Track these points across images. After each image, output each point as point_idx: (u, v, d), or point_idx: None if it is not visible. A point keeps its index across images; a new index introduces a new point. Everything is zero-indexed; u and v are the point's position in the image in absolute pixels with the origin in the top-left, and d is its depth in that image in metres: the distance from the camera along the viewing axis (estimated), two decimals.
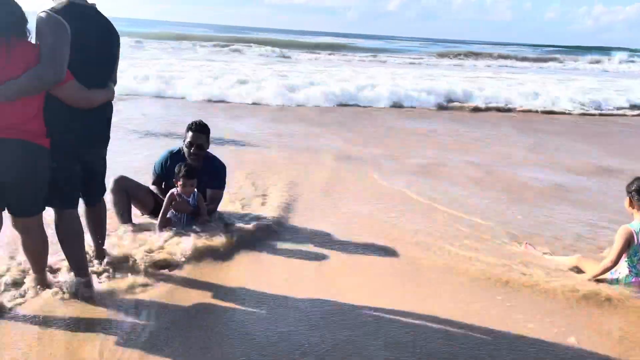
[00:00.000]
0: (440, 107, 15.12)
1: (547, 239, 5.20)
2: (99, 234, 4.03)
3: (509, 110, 15.45)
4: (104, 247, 4.06)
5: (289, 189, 6.37)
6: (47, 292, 3.53)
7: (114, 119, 3.81)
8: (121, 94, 12.51)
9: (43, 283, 3.60)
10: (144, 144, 8.40)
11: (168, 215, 4.74)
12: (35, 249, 3.52)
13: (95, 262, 3.97)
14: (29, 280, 3.62)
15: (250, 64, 22.83)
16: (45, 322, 3.24)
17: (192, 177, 4.64)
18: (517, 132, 12.07)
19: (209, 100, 13.77)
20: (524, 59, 41.01)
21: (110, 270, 3.90)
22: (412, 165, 8.15)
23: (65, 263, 3.74)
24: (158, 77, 14.70)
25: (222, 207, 5.27)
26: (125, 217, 4.80)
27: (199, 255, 4.26)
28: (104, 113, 3.63)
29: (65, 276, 3.66)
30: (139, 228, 4.71)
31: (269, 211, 5.42)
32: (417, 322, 3.50)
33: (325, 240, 4.87)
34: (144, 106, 12.38)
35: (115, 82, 3.74)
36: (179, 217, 4.80)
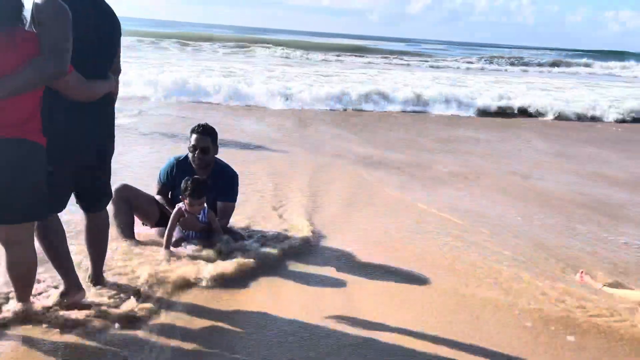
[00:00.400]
0: (481, 113, 14.36)
1: (604, 265, 4.55)
2: (99, 253, 3.52)
3: (539, 115, 14.67)
4: (102, 271, 3.55)
5: (309, 199, 5.82)
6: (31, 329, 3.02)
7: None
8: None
9: (27, 314, 3.08)
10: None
11: (175, 233, 4.20)
12: (21, 270, 2.99)
13: (93, 289, 3.45)
14: (10, 308, 3.09)
15: (270, 65, 22.31)
16: None
17: (200, 197, 4.12)
18: (552, 140, 11.37)
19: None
20: (554, 64, 39.97)
21: (109, 297, 3.39)
22: (443, 174, 7.53)
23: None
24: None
25: (237, 219, 4.74)
26: (126, 231, 4.29)
27: (212, 280, 3.73)
28: (105, 112, 3.20)
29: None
30: (143, 245, 4.19)
31: (289, 227, 4.88)
32: None
33: (349, 262, 4.31)
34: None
35: (119, 72, 3.32)
36: (187, 235, 4.27)
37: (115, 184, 4.48)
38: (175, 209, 4.18)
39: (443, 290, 3.89)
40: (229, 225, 4.54)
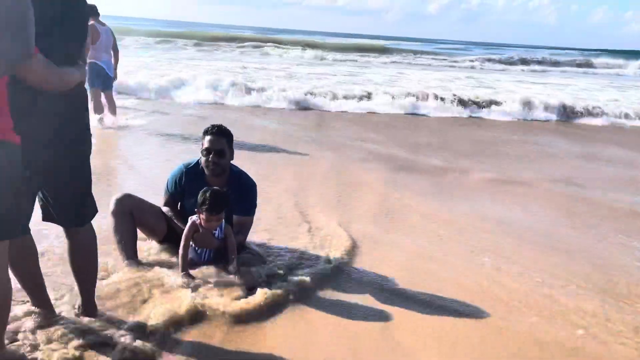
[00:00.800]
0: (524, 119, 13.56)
1: None
2: (85, 278, 2.93)
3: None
4: (94, 298, 2.98)
5: (336, 209, 5.21)
6: None
7: None
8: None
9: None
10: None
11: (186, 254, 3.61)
12: None
13: (84, 319, 2.89)
14: None
15: (296, 66, 21.74)
16: None
17: (219, 212, 3.53)
18: (598, 145, 10.62)
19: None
20: (585, 64, 38.89)
21: (102, 330, 2.82)
22: (480, 181, 6.86)
23: None
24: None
25: (255, 233, 4.14)
26: (128, 249, 3.70)
27: (234, 316, 3.13)
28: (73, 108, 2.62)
29: None
30: (147, 267, 3.61)
31: (318, 244, 4.27)
32: None
33: (387, 288, 3.68)
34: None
35: (85, 62, 2.76)
36: (199, 253, 3.68)
37: (117, 192, 3.97)
38: (189, 223, 3.59)
39: (500, 329, 3.24)
40: (246, 242, 3.95)
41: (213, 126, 3.83)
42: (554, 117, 13.46)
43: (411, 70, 23.60)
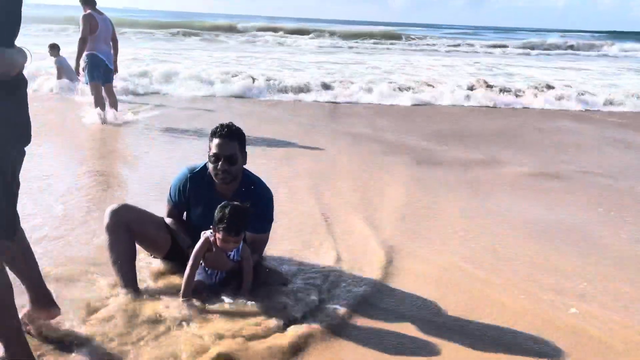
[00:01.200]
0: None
1: None
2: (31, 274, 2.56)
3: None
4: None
5: (362, 213, 4.64)
6: None
7: None
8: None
9: None
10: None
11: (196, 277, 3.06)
12: None
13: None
14: None
15: (304, 55, 21.09)
16: None
17: (238, 233, 2.97)
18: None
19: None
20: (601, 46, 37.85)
21: None
22: (519, 175, 6.24)
23: None
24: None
25: (274, 242, 3.58)
26: (125, 272, 3.12)
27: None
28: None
29: None
30: (147, 293, 3.05)
31: (346, 261, 3.69)
32: None
33: (428, 315, 3.09)
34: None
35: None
36: (209, 274, 3.12)
37: (113, 202, 3.43)
38: (202, 240, 3.03)
39: None
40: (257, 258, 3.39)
41: (222, 127, 3.21)
42: (575, 104, 12.59)
43: (423, 57, 22.89)
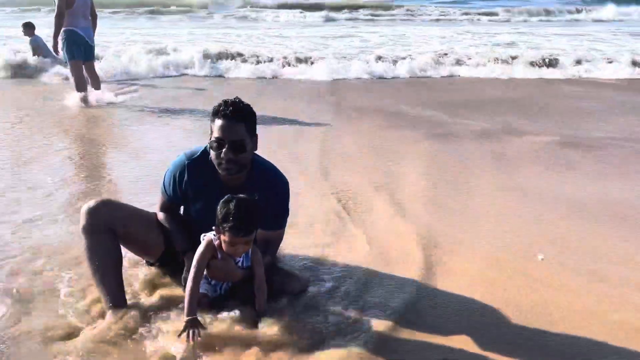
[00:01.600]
0: None
1: None
2: None
3: None
4: None
5: (385, 197, 4.06)
6: None
7: None
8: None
9: None
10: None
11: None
12: None
13: None
14: None
15: (290, 29, 20.21)
16: None
17: (248, 234, 2.36)
18: None
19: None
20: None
21: None
22: (549, 144, 5.65)
23: None
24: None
25: (290, 237, 2.99)
26: (109, 284, 2.55)
27: None
28: None
29: None
30: (141, 315, 2.45)
31: (376, 256, 3.11)
32: None
33: (478, 322, 2.54)
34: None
35: None
36: (213, 285, 2.54)
37: (89, 198, 2.83)
38: (204, 245, 2.43)
39: None
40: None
41: (226, 105, 2.54)
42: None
43: (418, 28, 22.07)
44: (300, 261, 3.01)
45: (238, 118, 2.53)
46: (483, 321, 2.52)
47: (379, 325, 2.40)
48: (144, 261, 2.93)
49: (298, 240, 3.20)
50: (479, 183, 4.48)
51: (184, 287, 2.49)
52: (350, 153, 5.32)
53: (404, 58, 11.56)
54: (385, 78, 10.31)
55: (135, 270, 2.84)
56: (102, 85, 7.87)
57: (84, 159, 5.10)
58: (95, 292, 2.54)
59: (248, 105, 2.61)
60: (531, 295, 2.75)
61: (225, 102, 2.56)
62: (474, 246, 3.29)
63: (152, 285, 2.72)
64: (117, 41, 12.94)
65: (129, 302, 2.54)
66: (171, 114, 6.97)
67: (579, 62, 11.90)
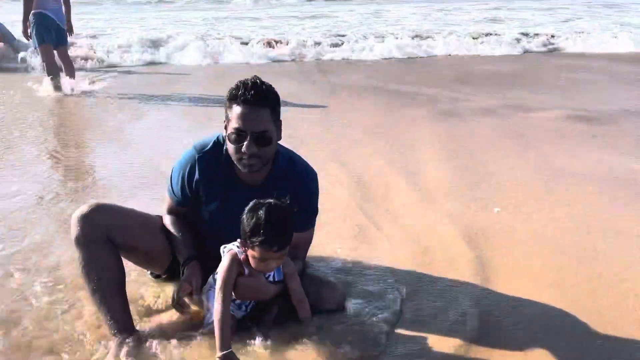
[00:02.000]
0: None
1: None
2: None
3: None
4: None
5: (408, 185, 3.65)
6: None
7: None
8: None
9: None
10: None
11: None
12: None
13: None
14: None
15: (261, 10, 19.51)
16: None
17: (284, 246, 1.94)
18: None
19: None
20: None
21: None
22: (560, 119, 5.30)
23: None
24: None
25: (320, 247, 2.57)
26: (111, 305, 2.10)
27: None
28: None
29: None
30: (155, 342, 2.03)
31: (417, 254, 2.70)
32: None
33: (563, 345, 2.14)
34: None
35: None
36: (238, 304, 2.11)
37: (83, 201, 2.38)
38: (228, 261, 1.99)
39: None
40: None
41: (245, 87, 2.06)
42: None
43: (393, 4, 21.55)
44: (328, 265, 2.60)
45: (261, 102, 2.07)
46: (565, 330, 2.13)
47: (450, 345, 2.00)
48: (149, 272, 2.50)
49: (322, 239, 2.78)
50: (506, 165, 4.11)
51: (175, 304, 2.08)
52: (358, 136, 4.90)
53: (383, 37, 11.11)
54: (365, 60, 9.76)
55: (139, 284, 2.39)
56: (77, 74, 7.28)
57: (63, 152, 4.58)
58: (90, 311, 2.10)
59: (271, 86, 2.15)
60: (611, 299, 2.36)
61: (244, 83, 2.09)
62: (526, 239, 2.90)
63: (161, 303, 2.28)
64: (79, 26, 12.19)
65: (136, 325, 2.11)
66: (153, 100, 6.44)
67: (554, 35, 11.66)
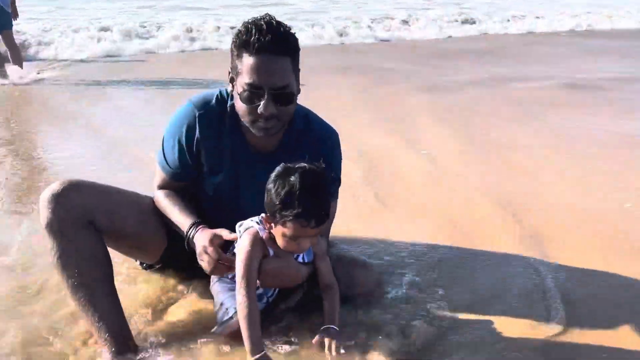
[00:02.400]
0: None
1: None
2: None
3: None
4: None
5: (427, 161, 3.29)
6: None
7: None
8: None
9: None
10: None
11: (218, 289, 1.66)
12: None
13: None
14: None
15: None
16: None
17: (322, 221, 1.51)
18: None
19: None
20: None
21: None
22: (562, 88, 5.07)
23: None
24: None
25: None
26: (98, 307, 1.64)
27: None
28: None
29: None
30: (158, 350, 1.59)
31: (446, 235, 2.31)
32: None
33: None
34: None
35: None
36: (260, 293, 1.66)
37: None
38: (249, 240, 1.56)
39: None
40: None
41: (260, 31, 1.60)
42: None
43: None
44: (354, 245, 2.20)
45: (281, 50, 1.62)
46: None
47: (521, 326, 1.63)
48: (138, 263, 2.05)
49: (342, 217, 2.37)
50: (512, 133, 3.80)
51: (216, 263, 1.61)
52: (357, 113, 4.52)
53: (356, 22, 10.82)
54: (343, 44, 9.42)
55: (130, 277, 1.93)
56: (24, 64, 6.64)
57: (21, 143, 4.02)
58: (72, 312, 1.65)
59: (289, 27, 1.69)
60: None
61: (257, 25, 1.62)
62: (571, 208, 2.56)
63: (161, 300, 1.83)
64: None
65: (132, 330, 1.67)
66: (110, 86, 5.90)
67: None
